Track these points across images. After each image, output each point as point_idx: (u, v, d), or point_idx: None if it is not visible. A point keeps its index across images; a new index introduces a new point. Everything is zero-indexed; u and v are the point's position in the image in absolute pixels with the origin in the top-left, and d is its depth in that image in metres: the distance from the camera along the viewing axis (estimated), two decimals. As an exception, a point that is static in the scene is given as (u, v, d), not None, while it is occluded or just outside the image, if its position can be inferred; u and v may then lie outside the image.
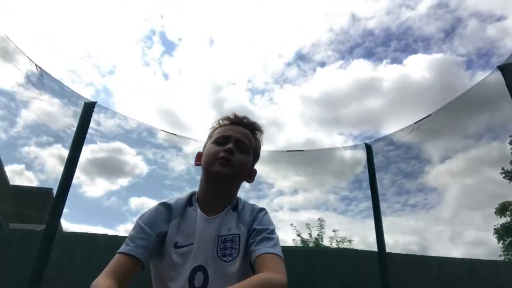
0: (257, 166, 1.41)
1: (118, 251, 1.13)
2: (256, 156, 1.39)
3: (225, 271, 1.15)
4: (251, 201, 1.35)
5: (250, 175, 1.36)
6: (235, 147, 1.27)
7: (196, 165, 1.37)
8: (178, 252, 1.17)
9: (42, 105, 4.76)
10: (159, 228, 1.20)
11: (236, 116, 1.38)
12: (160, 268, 1.19)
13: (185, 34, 26.62)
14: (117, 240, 5.32)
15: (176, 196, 1.34)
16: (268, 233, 1.20)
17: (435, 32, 22.96)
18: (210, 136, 1.38)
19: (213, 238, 1.20)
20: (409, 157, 6.07)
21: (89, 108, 4.19)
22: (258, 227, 1.23)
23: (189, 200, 1.31)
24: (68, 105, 4.64)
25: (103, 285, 0.98)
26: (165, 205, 1.27)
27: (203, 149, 1.38)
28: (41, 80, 4.12)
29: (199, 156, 1.38)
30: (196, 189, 1.35)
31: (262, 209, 1.33)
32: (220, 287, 1.09)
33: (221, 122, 1.39)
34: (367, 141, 5.21)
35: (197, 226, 1.21)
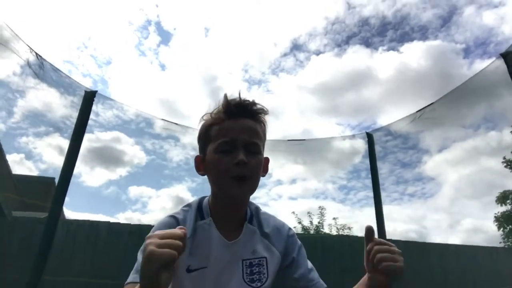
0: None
1: (128, 281, 0.97)
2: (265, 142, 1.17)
3: None
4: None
5: (264, 169, 1.16)
6: (246, 153, 1.04)
7: (201, 174, 1.15)
8: (192, 276, 1.04)
9: (40, 95, 4.76)
10: None
11: (234, 105, 1.08)
12: None
13: (180, 23, 26.45)
14: (118, 228, 5.35)
15: (181, 208, 1.18)
16: (310, 264, 1.19)
17: (433, 19, 22.70)
18: (205, 137, 1.12)
19: (237, 263, 1.08)
20: (407, 147, 6.09)
21: (89, 97, 4.20)
22: (300, 258, 1.17)
23: (199, 212, 1.14)
24: (65, 94, 4.65)
25: None
26: (174, 220, 1.10)
27: (200, 151, 1.16)
28: (42, 69, 4.11)
29: (199, 161, 1.15)
30: (200, 193, 1.20)
31: (291, 230, 1.23)
32: None
33: (214, 116, 1.10)
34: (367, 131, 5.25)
35: (215, 249, 1.07)
